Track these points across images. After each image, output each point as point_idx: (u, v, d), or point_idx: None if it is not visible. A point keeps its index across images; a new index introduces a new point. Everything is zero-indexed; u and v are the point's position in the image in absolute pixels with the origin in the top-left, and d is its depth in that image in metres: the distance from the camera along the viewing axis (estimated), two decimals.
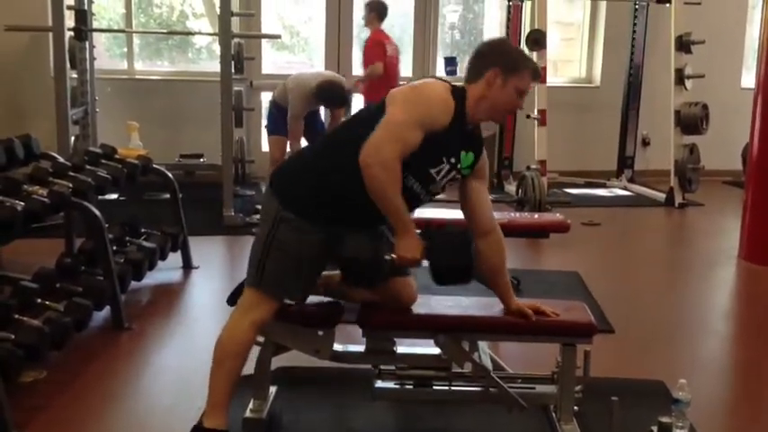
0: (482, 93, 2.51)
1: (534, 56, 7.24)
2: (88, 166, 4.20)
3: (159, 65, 8.44)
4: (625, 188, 8.09)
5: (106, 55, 8.14)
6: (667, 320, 4.23)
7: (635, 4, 8.09)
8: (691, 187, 7.31)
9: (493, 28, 8.97)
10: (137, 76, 7.94)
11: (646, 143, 8.53)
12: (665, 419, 2.78)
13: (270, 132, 6.11)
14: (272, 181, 2.60)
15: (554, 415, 2.81)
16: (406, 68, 8.40)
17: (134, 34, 7.91)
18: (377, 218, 2.46)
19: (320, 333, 2.76)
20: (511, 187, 7.30)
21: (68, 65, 6.11)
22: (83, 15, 6.37)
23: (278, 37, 6.76)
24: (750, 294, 5.00)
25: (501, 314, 2.72)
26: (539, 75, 2.72)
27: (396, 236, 2.46)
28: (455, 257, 2.50)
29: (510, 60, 2.53)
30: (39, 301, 3.40)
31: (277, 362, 2.94)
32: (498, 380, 2.73)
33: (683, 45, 7.38)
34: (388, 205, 2.40)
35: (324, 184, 2.49)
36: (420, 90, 2.51)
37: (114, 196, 6.42)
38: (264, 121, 6.48)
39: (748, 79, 8.09)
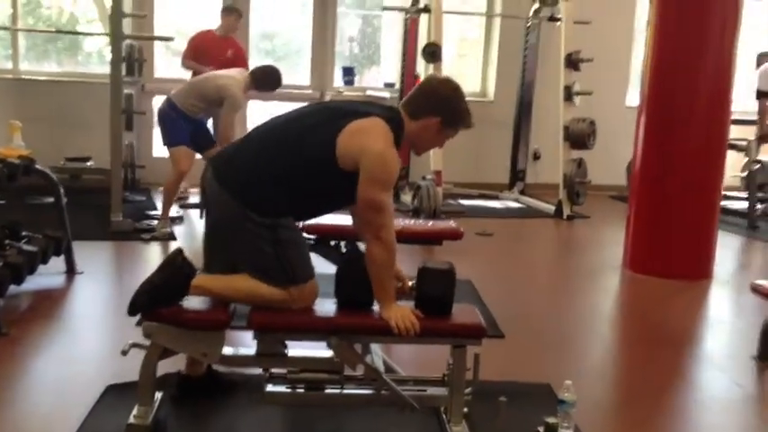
0: (417, 132, 2.77)
1: (430, 68, 7.37)
2: None
3: (47, 66, 8.13)
4: (517, 200, 8.29)
5: None
6: (556, 326, 4.35)
7: (527, 22, 8.33)
8: (578, 200, 7.55)
9: (391, 41, 9.06)
10: (22, 76, 7.63)
11: (536, 157, 8.77)
12: (551, 420, 2.84)
13: (172, 143, 5.65)
14: (236, 196, 2.66)
15: (444, 416, 2.83)
16: (303, 77, 8.44)
17: (20, 34, 7.58)
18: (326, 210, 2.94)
19: (208, 336, 2.69)
20: (407, 197, 7.37)
21: None
22: None
23: (170, 39, 6.61)
24: (632, 301, 5.20)
25: None
26: (470, 126, 2.87)
27: (384, 307, 2.67)
28: (441, 293, 2.73)
29: (454, 117, 2.79)
30: None
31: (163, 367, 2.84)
32: (390, 382, 2.73)
33: (572, 62, 7.63)
34: (384, 276, 2.67)
35: (294, 190, 2.69)
36: (384, 164, 2.62)
37: None
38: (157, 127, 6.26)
39: (633, 97, 8.45)
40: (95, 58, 8.42)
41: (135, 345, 2.73)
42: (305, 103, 3.06)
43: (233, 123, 5.56)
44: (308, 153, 2.68)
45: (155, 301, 2.63)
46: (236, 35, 7.23)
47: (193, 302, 2.72)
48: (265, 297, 2.66)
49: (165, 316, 2.65)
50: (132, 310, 2.66)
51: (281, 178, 2.68)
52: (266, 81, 5.65)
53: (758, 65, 7.75)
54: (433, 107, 2.77)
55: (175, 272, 2.67)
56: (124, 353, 2.71)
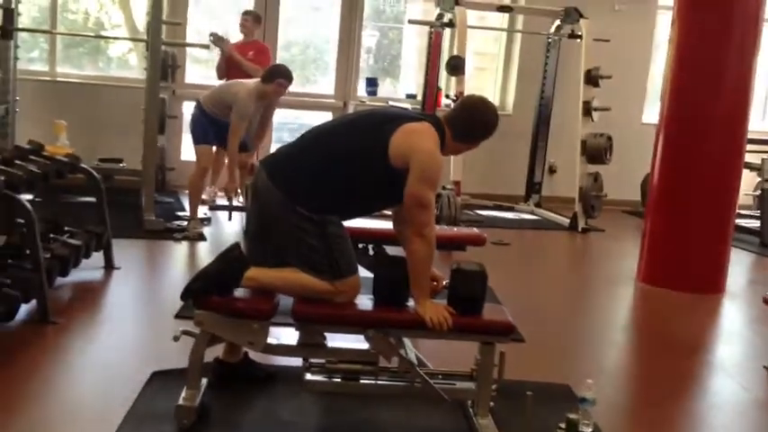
0: (456, 147, 3.06)
1: (453, 81, 7.57)
2: (17, 161, 4.20)
3: (78, 70, 8.38)
4: (532, 212, 8.46)
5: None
6: (572, 333, 4.53)
7: (548, 39, 8.52)
8: (593, 213, 7.72)
9: (410, 53, 9.27)
10: (58, 79, 7.87)
11: (552, 171, 8.95)
12: (572, 416, 3.02)
13: (195, 142, 6.08)
14: (288, 193, 2.86)
15: (471, 410, 3.01)
16: (326, 87, 8.66)
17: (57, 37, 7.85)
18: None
19: (255, 326, 2.88)
20: None
21: None
22: (9, 14, 6.29)
23: (206, 47, 6.85)
24: (646, 311, 5.38)
25: None
26: None
27: (419, 302, 2.86)
28: (473, 293, 2.90)
29: (487, 137, 3.06)
30: None
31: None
32: (423, 374, 2.91)
33: (592, 79, 7.80)
34: (422, 272, 2.87)
35: (344, 187, 2.91)
36: (434, 163, 2.87)
37: (29, 197, 6.32)
38: (186, 130, 6.54)
39: (649, 114, 8.63)
40: (115, 63, 8.67)
41: (186, 332, 2.92)
42: (330, 113, 3.25)
43: (237, 129, 5.79)
44: (361, 150, 2.89)
45: (207, 289, 2.83)
46: (262, 39, 7.36)
47: (241, 294, 2.92)
48: (312, 289, 2.86)
49: (216, 305, 2.85)
50: (185, 296, 2.86)
51: (332, 175, 2.88)
52: (273, 74, 5.83)
53: None
54: (477, 134, 3.06)
55: (231, 263, 2.87)
56: (176, 339, 2.90)
